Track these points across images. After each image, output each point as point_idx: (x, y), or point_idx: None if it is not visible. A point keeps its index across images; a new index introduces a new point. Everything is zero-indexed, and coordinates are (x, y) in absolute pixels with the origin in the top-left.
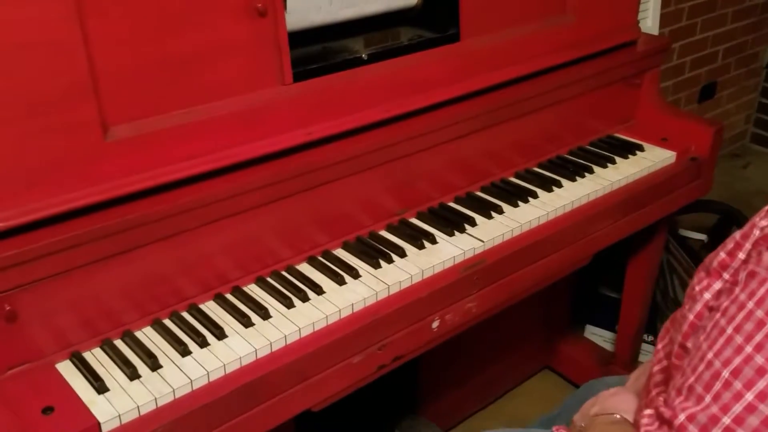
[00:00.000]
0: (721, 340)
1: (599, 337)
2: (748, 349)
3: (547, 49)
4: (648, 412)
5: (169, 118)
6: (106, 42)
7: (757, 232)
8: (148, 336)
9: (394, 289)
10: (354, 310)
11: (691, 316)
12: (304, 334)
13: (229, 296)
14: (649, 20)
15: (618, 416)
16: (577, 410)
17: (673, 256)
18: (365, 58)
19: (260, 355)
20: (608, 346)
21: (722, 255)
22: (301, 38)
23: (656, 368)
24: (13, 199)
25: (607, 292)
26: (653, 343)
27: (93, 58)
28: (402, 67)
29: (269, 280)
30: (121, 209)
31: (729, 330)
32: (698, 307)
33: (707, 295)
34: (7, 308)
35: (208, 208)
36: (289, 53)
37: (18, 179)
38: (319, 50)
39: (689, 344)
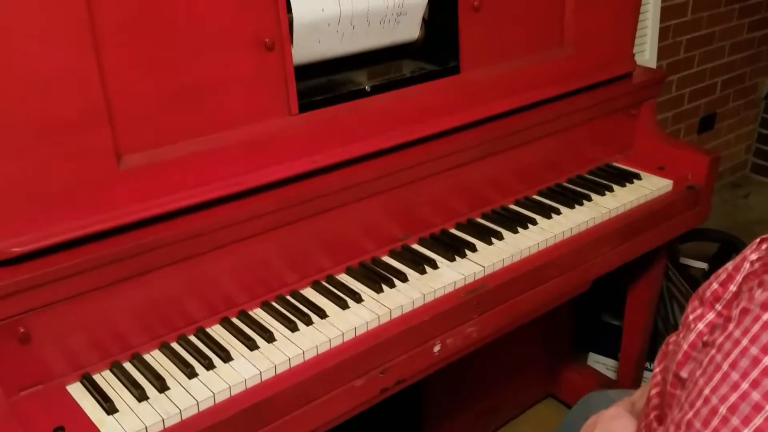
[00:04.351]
0: (718, 377)
1: (602, 364)
2: (744, 385)
3: (546, 80)
4: None
5: (181, 146)
6: (120, 73)
7: (747, 266)
8: (156, 359)
9: (396, 313)
10: (357, 334)
11: (685, 346)
12: (307, 357)
13: (235, 320)
14: (647, 53)
15: None
16: (576, 425)
17: (673, 283)
18: (368, 90)
19: (265, 377)
20: (611, 374)
21: (715, 285)
22: (307, 71)
23: (653, 392)
24: (29, 225)
25: (609, 320)
26: None
27: (108, 89)
28: (404, 98)
29: (274, 304)
30: (133, 234)
31: (725, 367)
32: (692, 336)
33: (700, 326)
34: (21, 330)
35: (216, 233)
36: (295, 85)
37: (34, 205)
38: (325, 82)
39: (683, 374)
